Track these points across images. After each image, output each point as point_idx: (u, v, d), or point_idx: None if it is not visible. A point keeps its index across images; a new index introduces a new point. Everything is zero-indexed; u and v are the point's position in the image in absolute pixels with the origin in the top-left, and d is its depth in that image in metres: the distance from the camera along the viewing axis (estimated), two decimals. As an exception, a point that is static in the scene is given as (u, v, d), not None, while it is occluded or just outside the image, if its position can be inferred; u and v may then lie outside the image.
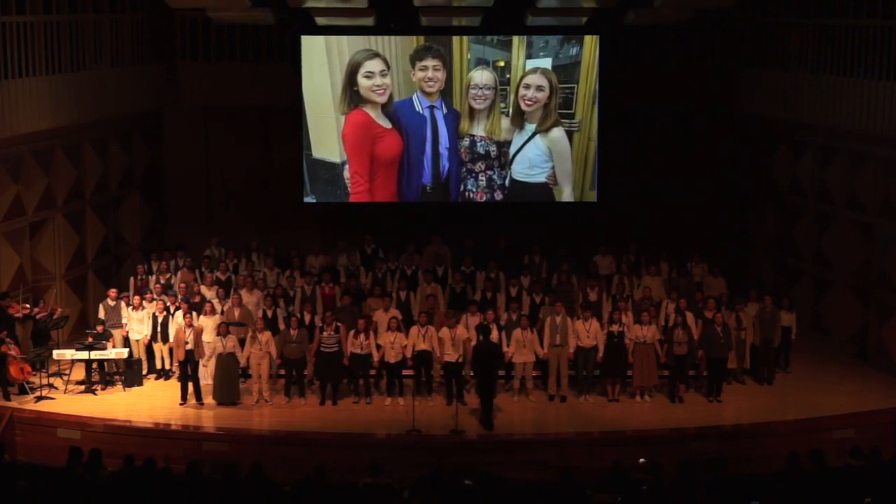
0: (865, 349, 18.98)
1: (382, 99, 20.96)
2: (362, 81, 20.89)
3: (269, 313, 17.56)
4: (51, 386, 17.27)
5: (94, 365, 17.40)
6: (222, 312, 17.54)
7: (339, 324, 16.86)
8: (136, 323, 17.81)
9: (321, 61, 20.89)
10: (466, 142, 21.16)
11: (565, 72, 20.96)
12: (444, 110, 21.04)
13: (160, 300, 17.89)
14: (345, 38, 20.78)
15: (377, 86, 20.88)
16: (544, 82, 20.97)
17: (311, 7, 19.41)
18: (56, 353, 17.30)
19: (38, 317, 17.63)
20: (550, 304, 17.44)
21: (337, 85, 20.92)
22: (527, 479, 13.57)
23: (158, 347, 17.92)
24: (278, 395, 17.13)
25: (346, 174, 21.23)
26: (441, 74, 20.90)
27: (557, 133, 21.14)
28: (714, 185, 22.63)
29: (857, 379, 18.01)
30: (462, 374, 16.94)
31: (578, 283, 18.58)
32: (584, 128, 21.10)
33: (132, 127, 21.77)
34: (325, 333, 16.76)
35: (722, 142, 22.67)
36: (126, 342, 17.84)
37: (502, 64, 20.93)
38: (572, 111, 21.06)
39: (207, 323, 17.10)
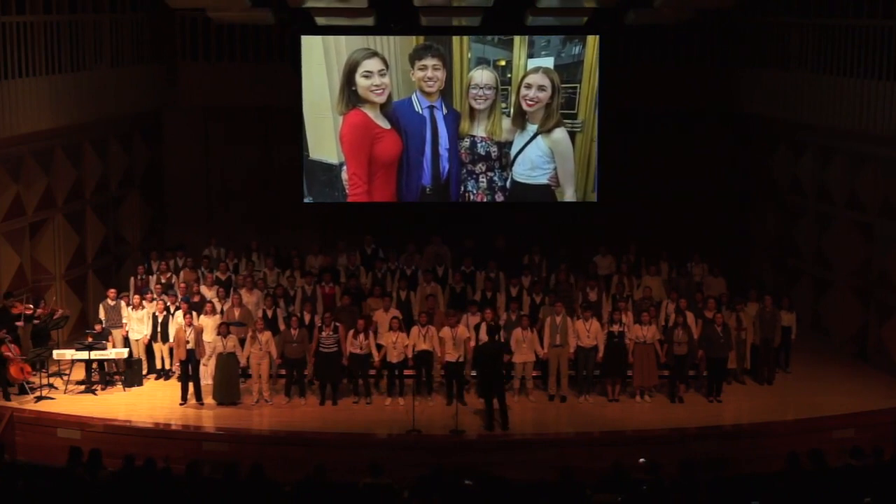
0: (865, 349, 18.98)
1: (381, 99, 20.84)
2: (360, 81, 20.78)
3: (270, 313, 17.56)
4: (51, 386, 17.27)
5: (94, 365, 17.41)
6: (222, 312, 17.55)
7: (337, 324, 16.87)
8: (136, 323, 17.82)
9: (319, 61, 20.81)
10: (467, 143, 21.06)
11: (568, 71, 20.85)
12: (444, 110, 20.91)
13: (160, 300, 17.90)
14: (343, 37, 20.68)
15: (376, 85, 20.77)
16: (546, 82, 20.85)
17: (310, 7, 19.39)
18: (56, 354, 17.30)
19: (36, 320, 17.59)
20: (550, 304, 17.44)
21: (335, 85, 20.80)
22: (527, 479, 13.55)
23: (158, 347, 17.92)
24: (278, 395, 17.13)
25: (344, 175, 21.11)
26: (441, 74, 20.79)
27: (560, 134, 21.02)
28: (714, 185, 22.62)
29: (857, 379, 18.00)
30: (463, 374, 16.95)
31: (577, 282, 18.59)
32: (586, 128, 20.98)
33: (132, 127, 21.77)
34: (323, 334, 16.76)
35: (722, 142, 22.67)
36: (126, 342, 17.85)
37: (503, 63, 20.83)
38: (575, 111, 20.93)
39: (207, 323, 17.11)
